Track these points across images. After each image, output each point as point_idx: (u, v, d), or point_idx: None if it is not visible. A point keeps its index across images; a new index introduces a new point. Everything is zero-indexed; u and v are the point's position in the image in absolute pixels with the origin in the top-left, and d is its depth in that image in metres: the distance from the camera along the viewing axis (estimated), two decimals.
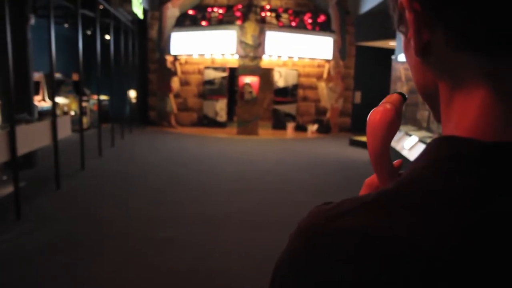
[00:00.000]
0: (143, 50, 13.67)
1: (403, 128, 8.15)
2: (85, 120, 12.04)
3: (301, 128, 13.49)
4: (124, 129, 11.68)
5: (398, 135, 8.08)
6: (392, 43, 10.24)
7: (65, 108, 11.02)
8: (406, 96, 0.55)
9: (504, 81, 0.36)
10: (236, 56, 12.34)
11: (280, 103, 13.65)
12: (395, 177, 0.54)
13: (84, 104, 12.08)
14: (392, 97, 0.54)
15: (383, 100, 0.54)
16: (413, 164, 0.39)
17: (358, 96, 14.06)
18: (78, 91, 11.67)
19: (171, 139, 11.03)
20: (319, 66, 13.64)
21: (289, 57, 13.36)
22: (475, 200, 0.33)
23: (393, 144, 7.75)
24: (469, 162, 0.35)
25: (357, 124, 13.89)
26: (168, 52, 13.11)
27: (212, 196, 5.62)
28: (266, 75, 15.65)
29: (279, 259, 0.40)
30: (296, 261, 0.37)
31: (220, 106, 13.62)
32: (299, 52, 12.88)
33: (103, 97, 13.20)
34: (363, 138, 10.54)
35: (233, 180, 6.57)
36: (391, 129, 0.52)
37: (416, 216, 0.34)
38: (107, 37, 12.40)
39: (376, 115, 0.52)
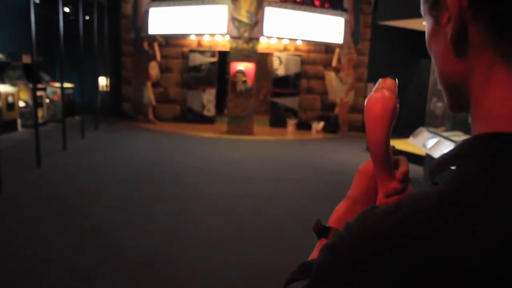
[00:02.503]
0: (116, 29, 11.35)
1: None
2: (41, 112, 9.81)
3: (304, 125, 11.32)
4: (90, 124, 9.44)
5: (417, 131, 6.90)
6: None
7: (10, 98, 8.73)
8: (397, 80, 0.56)
9: None
10: (228, 37, 10.09)
11: (280, 95, 11.45)
12: (391, 164, 0.58)
13: (39, 93, 9.85)
14: (387, 82, 0.55)
15: (377, 85, 0.56)
16: (451, 161, 0.39)
17: (371, 89, 11.87)
18: (30, 77, 9.41)
19: (144, 140, 8.80)
20: (327, 51, 11.43)
21: (291, 40, 11.13)
22: None
23: (411, 140, 6.69)
24: None
25: None
26: (146, 32, 10.82)
27: (187, 260, 3.44)
28: (263, 61, 13.41)
29: (323, 265, 0.40)
30: (360, 270, 0.36)
31: (208, 98, 11.40)
32: (303, 34, 10.64)
33: (67, 85, 10.94)
34: None
35: (220, 218, 4.39)
36: (393, 118, 0.54)
37: (486, 219, 0.33)
38: (67, 9, 10.07)
39: (376, 104, 0.53)
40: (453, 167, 0.41)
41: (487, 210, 0.34)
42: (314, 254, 0.65)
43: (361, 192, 0.64)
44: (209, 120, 11.45)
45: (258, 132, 10.36)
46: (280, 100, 11.48)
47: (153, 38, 10.86)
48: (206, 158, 7.12)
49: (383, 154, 0.56)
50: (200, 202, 4.81)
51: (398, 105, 0.54)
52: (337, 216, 0.65)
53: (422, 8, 0.45)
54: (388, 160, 0.57)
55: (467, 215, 0.34)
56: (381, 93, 0.54)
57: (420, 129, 6.81)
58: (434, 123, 7.13)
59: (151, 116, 11.24)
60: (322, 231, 0.64)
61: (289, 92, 11.46)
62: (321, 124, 11.09)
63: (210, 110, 11.45)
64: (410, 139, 6.75)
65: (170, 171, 6.14)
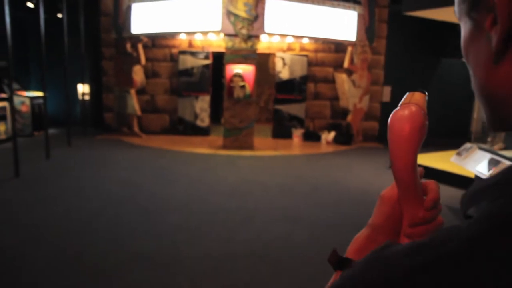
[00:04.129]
0: (94, 29, 9.90)
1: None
2: (3, 127, 8.37)
3: (311, 136, 9.83)
4: (63, 139, 8.00)
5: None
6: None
7: None
8: (427, 94, 0.51)
9: None
10: (223, 36, 8.61)
11: (284, 102, 9.97)
12: (419, 190, 0.52)
13: (2, 103, 8.42)
14: (415, 97, 0.50)
15: (404, 100, 0.50)
16: (488, 193, 0.33)
17: (386, 93, 10.43)
18: None
19: (123, 160, 7.31)
20: (337, 51, 9.95)
21: (297, 38, 9.66)
22: None
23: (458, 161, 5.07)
24: None
25: (387, 130, 10.23)
26: (128, 31, 9.37)
27: None
28: (264, 63, 11.92)
29: None
30: None
31: (201, 106, 9.92)
32: (310, 30, 9.17)
33: (36, 94, 9.50)
34: None
35: None
36: (421, 137, 0.49)
37: None
38: (30, 4, 8.62)
39: (404, 122, 0.48)
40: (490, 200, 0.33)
41: None
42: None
43: (383, 220, 0.57)
44: (203, 132, 9.97)
45: (259, 146, 8.87)
46: (284, 108, 10.00)
47: (137, 38, 9.40)
48: (195, 187, 5.62)
49: (410, 179, 0.50)
50: (175, 274, 3.31)
51: (427, 123, 0.49)
52: (356, 246, 0.58)
53: (457, 9, 0.39)
54: (416, 186, 0.52)
55: (500, 267, 0.27)
56: (408, 109, 0.48)
57: (468, 145, 5.30)
58: (481, 137, 5.66)
59: (136, 129, 9.76)
60: (339, 263, 0.55)
61: (294, 98, 9.98)
62: (331, 135, 9.61)
63: (204, 120, 9.97)
64: (455, 159, 5.25)
65: (143, 212, 4.64)
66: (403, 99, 0.52)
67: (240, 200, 5.06)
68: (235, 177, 6.20)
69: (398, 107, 0.51)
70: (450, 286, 0.28)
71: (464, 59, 0.41)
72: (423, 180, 0.56)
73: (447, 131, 10.66)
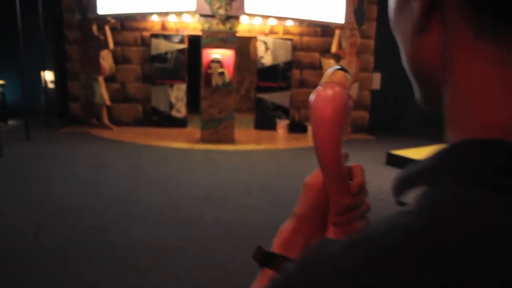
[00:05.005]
0: (55, 8, 8.92)
1: None
2: None
3: (297, 127, 9.12)
4: (28, 130, 7.14)
5: None
6: None
7: None
8: (348, 71, 0.49)
9: None
10: (201, 19, 7.76)
11: (267, 90, 9.22)
12: (344, 175, 0.50)
13: None
14: (336, 75, 0.48)
15: (326, 79, 0.48)
16: (421, 177, 0.31)
17: (376, 80, 9.77)
18: None
19: (87, 157, 6.48)
20: (324, 34, 9.21)
21: (280, 20, 8.87)
22: None
23: None
24: None
25: (377, 120, 9.66)
26: (94, 12, 8.43)
27: None
28: (245, 47, 11.11)
29: None
30: None
31: (177, 95, 9.09)
32: (295, 12, 8.39)
33: None
34: (409, 153, 6.32)
35: None
36: (345, 118, 0.47)
37: (471, 265, 0.24)
38: None
39: (327, 103, 0.46)
40: (423, 186, 0.31)
41: (470, 260, 0.25)
42: (254, 286, 0.52)
43: (309, 209, 0.54)
44: (180, 123, 9.16)
45: (240, 139, 8.12)
46: (267, 96, 9.24)
47: (104, 19, 8.47)
48: (166, 191, 4.85)
49: (335, 163, 0.48)
50: None
51: (350, 103, 0.47)
52: (282, 239, 0.54)
53: None
54: (341, 170, 0.49)
55: (443, 265, 0.25)
56: (331, 89, 0.46)
57: None
58: None
59: (105, 120, 8.89)
60: (265, 258, 0.53)
61: (277, 86, 9.23)
62: None
63: (180, 110, 9.15)
64: None
65: (99, 226, 3.86)
66: (323, 77, 0.49)
67: (216, 207, 4.33)
68: (213, 178, 5.46)
69: (320, 87, 0.48)
70: (397, 283, 0.25)
71: (393, 33, 0.39)
72: (348, 165, 0.53)
73: (439, 122, 10.09)
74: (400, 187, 0.34)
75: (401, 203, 0.34)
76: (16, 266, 2.98)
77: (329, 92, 0.46)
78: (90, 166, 5.85)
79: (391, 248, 0.27)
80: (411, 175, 0.33)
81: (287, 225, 0.55)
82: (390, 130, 9.41)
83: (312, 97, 0.48)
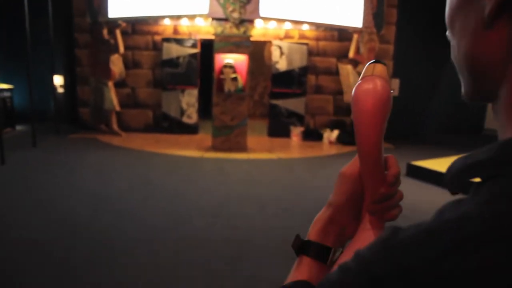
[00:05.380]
0: (66, 12, 8.74)
1: None
2: None
3: (312, 135, 8.78)
4: (34, 137, 6.94)
5: None
6: None
7: None
8: (386, 64, 0.51)
9: None
10: (213, 23, 7.49)
11: (281, 96, 8.90)
12: (382, 166, 0.51)
13: None
14: (377, 68, 0.49)
15: (365, 72, 0.50)
16: (478, 170, 0.33)
17: (395, 86, 9.38)
18: None
19: (94, 166, 6.24)
20: (341, 39, 8.87)
21: (296, 24, 8.56)
22: None
23: None
24: None
25: (396, 128, 9.22)
26: (105, 15, 8.23)
27: None
28: (259, 52, 10.84)
29: None
30: None
31: (188, 101, 8.83)
32: (311, 15, 8.06)
33: (2, 86, 8.41)
34: (430, 164, 5.97)
35: None
36: (387, 112, 0.48)
37: None
38: None
39: (368, 97, 0.47)
40: (484, 177, 0.33)
41: None
42: (292, 274, 0.54)
43: (345, 199, 0.55)
44: (191, 129, 8.89)
45: (253, 147, 7.81)
46: (281, 102, 8.92)
47: (115, 23, 8.26)
48: (173, 205, 4.54)
49: (375, 155, 0.50)
50: None
51: (391, 96, 0.48)
52: (318, 227, 0.56)
53: None
54: (380, 162, 0.51)
55: None
56: (373, 82, 0.47)
57: None
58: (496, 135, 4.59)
59: (114, 126, 8.66)
60: (301, 246, 0.55)
61: (292, 92, 8.91)
62: (334, 133, 8.56)
63: (191, 116, 8.88)
64: None
65: (101, 244, 3.57)
66: (363, 71, 0.50)
67: (227, 226, 4.01)
68: (223, 190, 5.14)
69: (360, 80, 0.49)
70: (476, 271, 0.27)
71: (448, 29, 0.40)
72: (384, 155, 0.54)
73: (459, 128, 9.67)
74: (456, 178, 0.34)
75: (457, 192, 0.33)
76: (17, 277, 2.70)
77: (371, 85, 0.47)
78: (95, 176, 5.59)
79: (470, 237, 0.28)
80: (467, 167, 0.33)
81: (322, 214, 0.56)
82: (409, 137, 9.02)
83: (353, 91, 0.49)
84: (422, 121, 9.65)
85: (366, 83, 0.48)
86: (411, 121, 9.38)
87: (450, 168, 0.36)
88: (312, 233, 0.56)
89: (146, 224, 3.93)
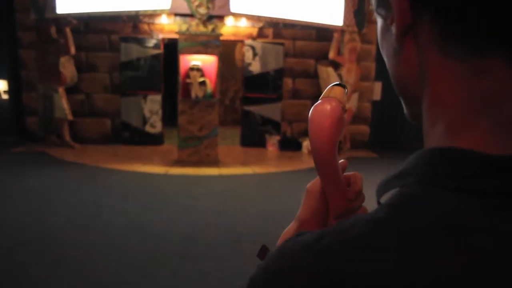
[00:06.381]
0: (6, 7, 7.63)
1: None
2: None
3: (290, 144, 7.99)
4: None
5: None
6: None
7: None
8: (346, 87, 0.54)
9: (489, 83, 0.33)
10: (177, 19, 6.56)
11: (254, 102, 8.06)
12: (342, 182, 0.55)
13: None
14: (335, 91, 0.52)
15: (324, 93, 0.53)
16: (394, 181, 0.35)
17: (377, 90, 8.72)
18: None
19: (32, 190, 5.21)
20: (320, 38, 8.13)
21: (270, 21, 7.76)
22: (489, 229, 0.29)
23: None
24: (480, 182, 0.30)
25: (378, 134, 8.60)
26: (52, 11, 7.16)
27: None
28: (229, 52, 9.99)
29: None
30: None
31: (151, 108, 7.87)
32: (287, 12, 7.26)
33: None
34: None
35: None
36: (340, 130, 0.51)
37: (419, 252, 0.29)
38: None
39: (324, 117, 0.50)
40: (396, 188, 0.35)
41: (422, 245, 0.29)
42: None
43: (310, 214, 0.58)
44: (155, 140, 7.93)
45: (224, 159, 6.95)
46: (255, 109, 8.09)
47: (65, 20, 7.21)
48: (125, 243, 3.61)
49: (332, 170, 0.53)
50: None
51: (345, 116, 0.52)
52: (285, 240, 0.54)
53: (373, 6, 0.41)
54: (338, 177, 0.54)
55: (396, 251, 0.29)
56: (329, 104, 0.51)
57: None
58: None
59: (67, 138, 7.60)
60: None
61: (267, 97, 8.09)
62: None
63: (155, 125, 7.92)
64: None
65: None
66: (323, 93, 0.53)
67: (193, 270, 3.13)
68: (191, 220, 4.25)
69: (319, 101, 0.52)
70: (353, 270, 0.29)
71: (382, 55, 0.42)
72: (348, 173, 0.58)
73: None
74: (380, 189, 0.37)
75: (379, 204, 0.36)
76: None
77: (327, 106, 0.50)
78: (36, 204, 4.58)
79: (351, 238, 0.30)
80: (389, 179, 0.36)
81: (290, 228, 0.60)
82: (392, 145, 8.36)
83: (310, 111, 0.52)
84: (404, 128, 9.04)
85: (323, 104, 0.51)
86: (392, 127, 8.75)
87: (380, 181, 0.38)
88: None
89: (86, 272, 3.00)
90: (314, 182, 0.58)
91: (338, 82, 0.53)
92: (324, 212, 0.57)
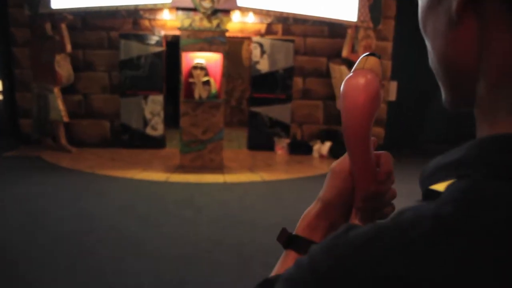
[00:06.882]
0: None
1: None
2: None
3: (300, 148, 7.49)
4: None
5: None
6: None
7: None
8: (381, 57, 0.50)
9: None
10: (179, 14, 6.07)
11: (262, 102, 7.57)
12: (372, 163, 0.51)
13: None
14: (369, 61, 0.48)
15: (358, 65, 0.49)
16: (448, 170, 0.32)
17: (392, 90, 8.20)
18: None
19: (21, 201, 4.75)
20: (332, 35, 7.62)
21: (279, 17, 7.27)
22: None
23: None
24: None
25: (393, 137, 8.08)
26: (47, 6, 6.71)
27: None
28: (236, 50, 9.53)
29: None
30: None
31: (152, 109, 7.41)
32: (297, 7, 6.75)
33: None
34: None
35: None
36: (376, 106, 0.47)
37: (493, 259, 0.25)
38: None
39: (358, 92, 0.46)
40: (453, 179, 0.32)
41: (505, 245, 0.25)
42: (278, 268, 0.55)
43: (334, 195, 0.55)
44: (156, 143, 7.46)
45: (230, 164, 6.46)
46: (262, 110, 7.59)
47: (60, 16, 6.77)
48: (117, 267, 3.14)
49: (364, 151, 0.49)
50: None
51: (382, 91, 0.47)
52: (306, 222, 0.56)
53: None
54: (369, 158, 0.50)
55: (475, 252, 0.26)
56: (364, 77, 0.46)
57: None
58: None
59: (63, 141, 7.15)
60: (289, 240, 0.55)
61: (276, 98, 7.59)
62: (326, 146, 7.29)
63: (156, 127, 7.46)
64: None
65: None
66: (356, 64, 0.49)
67: None
68: (193, 236, 3.76)
69: (351, 73, 0.48)
70: (421, 269, 0.26)
71: (422, 33, 0.39)
72: (376, 152, 0.54)
73: (464, 137, 8.60)
74: (428, 178, 0.34)
75: (428, 195, 0.33)
76: None
77: (362, 80, 0.46)
78: (24, 217, 4.12)
79: (415, 239, 0.27)
80: (439, 167, 0.33)
81: (311, 209, 0.57)
82: (408, 148, 7.85)
83: (342, 85, 0.47)
84: (421, 130, 8.52)
85: (357, 77, 0.46)
86: (408, 129, 8.24)
87: (425, 168, 0.35)
88: (300, 228, 0.56)
89: None
90: (340, 161, 0.54)
91: (372, 52, 0.48)
92: (349, 193, 0.54)
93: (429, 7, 0.36)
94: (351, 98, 0.46)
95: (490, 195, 0.28)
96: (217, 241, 3.67)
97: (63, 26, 6.80)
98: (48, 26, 6.88)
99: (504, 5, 0.30)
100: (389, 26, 7.64)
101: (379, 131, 7.98)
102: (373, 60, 0.47)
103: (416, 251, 0.27)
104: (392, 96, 8.24)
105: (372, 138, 0.51)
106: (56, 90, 7.00)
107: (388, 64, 7.82)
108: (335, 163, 0.55)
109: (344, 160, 0.54)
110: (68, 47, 6.89)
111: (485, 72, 0.33)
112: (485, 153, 0.30)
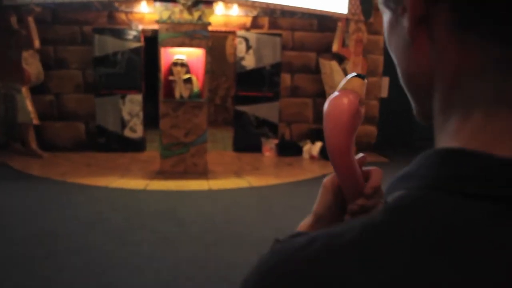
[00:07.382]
0: None
1: None
2: None
3: (289, 148, 7.07)
4: None
5: None
6: None
7: None
8: (366, 78, 0.51)
9: None
10: (157, 5, 5.56)
11: (249, 101, 7.11)
12: (359, 177, 0.53)
13: None
14: (353, 82, 0.50)
15: (343, 85, 0.50)
16: (399, 183, 0.33)
17: (384, 85, 7.84)
18: None
19: None
20: (322, 29, 7.20)
21: (265, 9, 6.82)
22: (493, 236, 0.26)
23: None
24: (485, 186, 0.28)
25: (386, 134, 7.73)
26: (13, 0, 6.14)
27: None
28: (219, 46, 9.04)
29: None
30: None
31: (131, 109, 6.89)
32: None
33: None
34: None
35: None
36: (357, 125, 0.49)
37: (419, 261, 0.26)
38: None
39: (341, 112, 0.48)
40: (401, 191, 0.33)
41: (424, 252, 0.26)
42: None
43: (326, 209, 0.57)
44: (135, 146, 6.95)
45: (215, 168, 6.01)
46: (249, 109, 7.14)
47: (27, 8, 6.19)
48: None
49: (347, 167, 0.51)
50: None
51: (362, 110, 0.49)
52: None
53: (380, 0, 0.39)
54: (354, 173, 0.52)
55: (393, 260, 0.26)
56: (347, 97, 0.48)
57: None
58: None
59: (33, 145, 6.59)
60: None
61: (263, 96, 7.14)
62: (317, 146, 6.88)
63: (135, 129, 6.94)
64: None
65: None
66: (340, 84, 0.50)
67: None
68: (171, 258, 3.30)
69: (336, 93, 0.50)
70: (340, 280, 0.27)
71: (389, 50, 0.40)
72: (367, 168, 0.56)
73: None
74: (388, 191, 0.35)
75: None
76: None
77: (344, 100, 0.48)
78: None
79: (342, 245, 0.28)
80: (394, 181, 0.34)
81: (306, 222, 0.58)
82: (401, 147, 7.50)
83: (326, 104, 0.49)
84: (416, 127, 8.18)
85: (340, 98, 0.48)
86: (401, 127, 7.89)
87: (389, 181, 0.36)
88: None
89: None
90: (330, 177, 0.56)
91: (356, 73, 0.50)
92: (340, 207, 0.56)
93: (390, 27, 0.37)
94: (334, 117, 0.47)
95: (418, 204, 0.28)
96: (201, 262, 3.22)
97: (30, 19, 6.24)
98: (13, 20, 6.30)
99: (454, 20, 0.31)
100: (380, 19, 7.14)
101: (371, 129, 7.62)
102: (356, 81, 0.49)
103: (341, 256, 0.27)
104: (384, 93, 7.88)
105: (361, 155, 0.55)
106: (24, 89, 6.44)
107: (380, 59, 7.45)
108: (326, 178, 0.57)
109: (334, 175, 0.55)
110: (36, 43, 6.34)
111: (437, 89, 0.34)
112: (425, 166, 0.31)
